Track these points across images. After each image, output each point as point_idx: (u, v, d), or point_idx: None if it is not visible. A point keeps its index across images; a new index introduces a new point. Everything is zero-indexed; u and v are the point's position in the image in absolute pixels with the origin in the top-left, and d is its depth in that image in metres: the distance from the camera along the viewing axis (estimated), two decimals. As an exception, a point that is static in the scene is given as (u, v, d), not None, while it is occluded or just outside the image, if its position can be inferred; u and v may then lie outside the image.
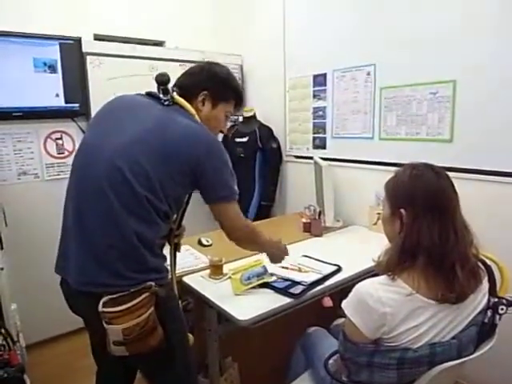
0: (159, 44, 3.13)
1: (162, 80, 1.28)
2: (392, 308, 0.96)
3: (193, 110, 1.29)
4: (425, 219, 1.00)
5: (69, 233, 1.21)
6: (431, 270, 0.99)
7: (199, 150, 1.22)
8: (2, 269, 1.67)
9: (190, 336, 1.41)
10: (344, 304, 1.05)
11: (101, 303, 1.10)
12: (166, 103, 1.28)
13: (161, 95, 1.29)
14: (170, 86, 1.32)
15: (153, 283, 1.15)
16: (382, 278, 1.02)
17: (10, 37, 2.26)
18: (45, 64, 2.35)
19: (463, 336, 1.00)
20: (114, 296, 1.10)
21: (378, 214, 2.15)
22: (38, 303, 2.37)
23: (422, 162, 1.12)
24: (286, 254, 1.66)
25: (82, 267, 1.16)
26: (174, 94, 1.30)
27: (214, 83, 1.37)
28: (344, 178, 2.52)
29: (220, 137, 3.17)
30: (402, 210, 1.04)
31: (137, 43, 2.81)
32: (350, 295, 1.04)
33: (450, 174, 1.83)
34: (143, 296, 1.12)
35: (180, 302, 1.41)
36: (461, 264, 0.98)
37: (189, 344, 1.40)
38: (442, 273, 0.98)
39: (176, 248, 1.48)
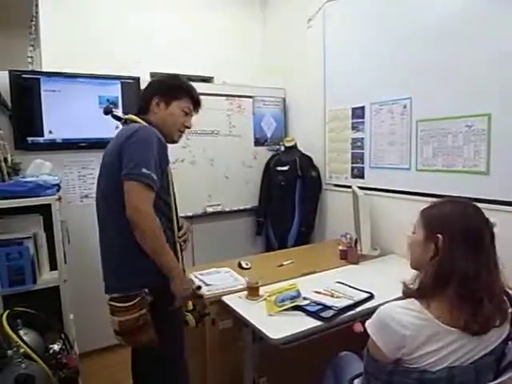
0: (208, 80, 3.39)
1: (105, 111, 1.59)
2: (411, 331, 1.01)
3: (135, 118, 1.52)
4: (460, 248, 1.03)
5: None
6: (458, 298, 1.02)
7: (124, 137, 1.42)
8: (65, 281, 1.87)
9: (191, 317, 1.53)
10: (367, 323, 1.12)
11: (109, 297, 1.45)
12: (125, 124, 1.56)
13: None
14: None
15: (146, 290, 1.41)
16: (404, 302, 1.08)
17: (79, 78, 2.59)
18: (108, 100, 2.65)
19: (482, 362, 1.03)
20: (118, 295, 1.42)
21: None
22: (90, 316, 2.57)
23: (461, 198, 1.19)
24: (189, 285, 1.49)
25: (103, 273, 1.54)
26: (129, 115, 1.55)
27: (162, 87, 1.60)
28: (382, 207, 2.56)
29: (261, 165, 3.36)
30: (439, 235, 1.07)
31: (187, 79, 3.08)
32: (373, 316, 1.11)
33: (487, 205, 1.89)
34: (136, 300, 1.39)
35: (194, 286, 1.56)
36: (488, 298, 1.01)
37: (181, 349, 1.59)
38: (468, 304, 1.01)
39: (180, 247, 1.60)
